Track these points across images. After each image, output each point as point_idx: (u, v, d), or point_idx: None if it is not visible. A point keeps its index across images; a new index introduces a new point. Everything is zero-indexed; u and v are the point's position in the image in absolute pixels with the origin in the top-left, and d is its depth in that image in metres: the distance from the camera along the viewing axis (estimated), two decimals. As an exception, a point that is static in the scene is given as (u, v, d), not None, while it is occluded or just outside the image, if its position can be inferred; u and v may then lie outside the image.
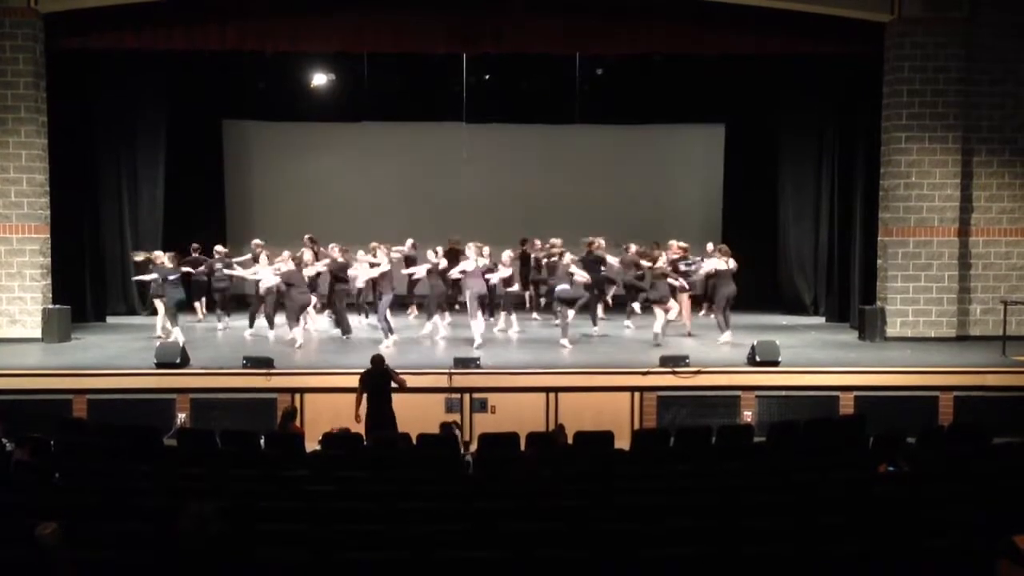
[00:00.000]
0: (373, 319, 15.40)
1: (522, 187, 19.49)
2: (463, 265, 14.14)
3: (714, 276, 14.81)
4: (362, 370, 10.75)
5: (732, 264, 14.38)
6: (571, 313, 14.22)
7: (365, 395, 10.53)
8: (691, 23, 15.23)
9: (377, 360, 10.73)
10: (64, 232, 15.64)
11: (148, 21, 14.83)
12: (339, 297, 15.06)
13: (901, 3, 14.75)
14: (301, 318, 14.17)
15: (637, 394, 12.16)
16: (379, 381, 10.58)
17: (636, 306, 15.95)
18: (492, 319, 16.01)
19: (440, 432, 10.10)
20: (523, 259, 17.23)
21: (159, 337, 14.04)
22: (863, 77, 16.03)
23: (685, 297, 15.62)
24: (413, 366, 12.12)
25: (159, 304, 14.50)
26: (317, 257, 14.93)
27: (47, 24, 14.71)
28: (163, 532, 6.05)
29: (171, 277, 14.14)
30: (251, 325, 15.32)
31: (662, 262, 14.63)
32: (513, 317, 15.65)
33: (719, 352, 13.72)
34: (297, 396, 11.90)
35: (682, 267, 15.39)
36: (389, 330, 14.07)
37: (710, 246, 15.95)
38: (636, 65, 17.65)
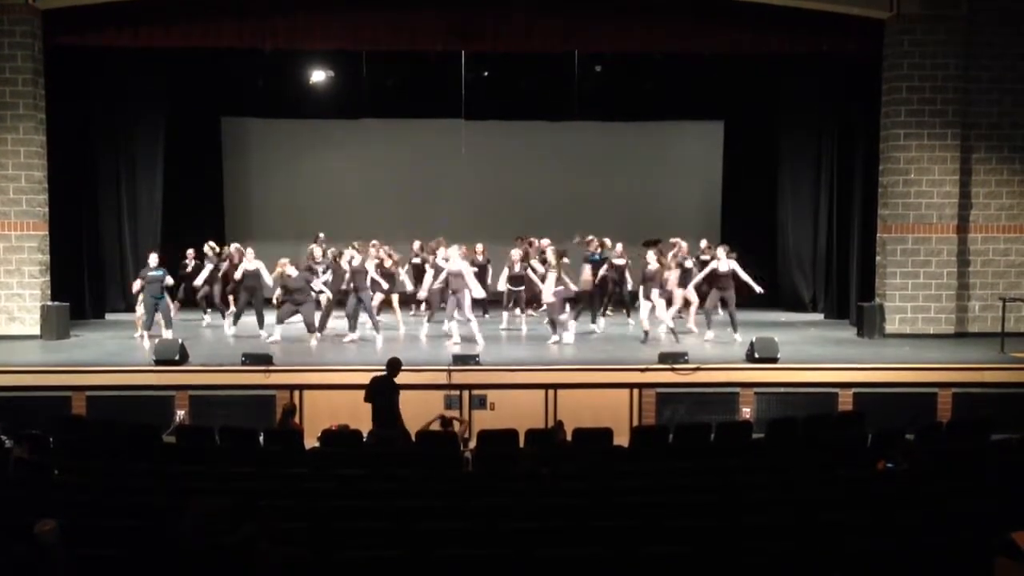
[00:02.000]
0: (378, 318, 15.40)
1: (521, 184, 19.44)
2: (448, 266, 13.82)
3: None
4: (360, 366, 10.66)
5: (725, 265, 14.29)
6: (567, 312, 14.09)
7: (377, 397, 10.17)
8: (690, 21, 15.22)
9: (394, 363, 10.39)
10: (63, 229, 15.60)
11: (146, 18, 14.80)
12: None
13: (900, 0, 14.75)
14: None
15: (636, 391, 12.14)
16: (389, 386, 10.23)
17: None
18: (488, 316, 15.95)
19: (438, 420, 10.09)
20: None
21: (156, 336, 14.02)
22: (862, 74, 16.01)
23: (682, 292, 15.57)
24: (412, 363, 12.09)
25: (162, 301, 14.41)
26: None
27: (45, 20, 14.66)
28: (163, 530, 6.06)
29: (150, 274, 13.95)
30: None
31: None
32: (523, 315, 15.61)
33: (718, 349, 13.72)
34: (296, 393, 11.89)
35: (686, 264, 15.37)
36: (352, 329, 14.03)
37: (703, 242, 16.08)
38: (635, 62, 17.59)
